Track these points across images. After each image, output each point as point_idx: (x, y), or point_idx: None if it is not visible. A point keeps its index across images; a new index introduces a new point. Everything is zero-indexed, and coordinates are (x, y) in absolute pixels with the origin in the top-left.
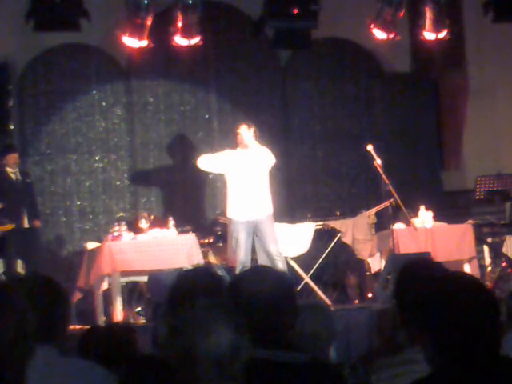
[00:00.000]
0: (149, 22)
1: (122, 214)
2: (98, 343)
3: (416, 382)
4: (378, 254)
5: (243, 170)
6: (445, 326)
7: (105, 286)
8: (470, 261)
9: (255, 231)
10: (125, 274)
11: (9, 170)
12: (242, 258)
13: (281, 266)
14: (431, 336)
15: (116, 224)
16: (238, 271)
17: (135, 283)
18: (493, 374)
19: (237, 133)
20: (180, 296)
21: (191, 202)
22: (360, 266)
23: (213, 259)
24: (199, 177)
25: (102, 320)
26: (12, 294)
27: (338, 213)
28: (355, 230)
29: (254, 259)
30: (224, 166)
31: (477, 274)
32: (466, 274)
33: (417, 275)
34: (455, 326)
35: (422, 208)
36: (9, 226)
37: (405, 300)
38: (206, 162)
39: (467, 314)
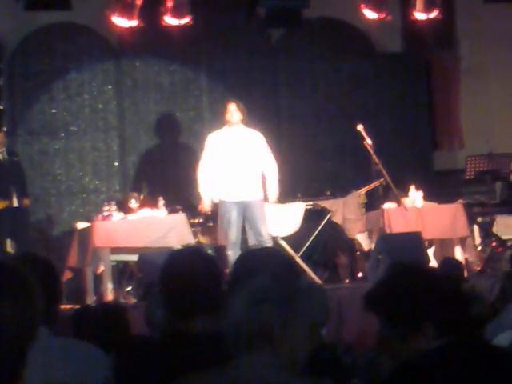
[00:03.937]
0: (139, 2)
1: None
2: (91, 323)
3: (399, 366)
4: (367, 234)
5: (231, 149)
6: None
7: (102, 267)
8: (463, 240)
9: (244, 213)
10: (115, 251)
11: None
12: (233, 238)
13: None
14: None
15: (106, 204)
16: (229, 251)
17: (126, 263)
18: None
19: (226, 110)
20: (172, 275)
21: (181, 181)
22: (350, 245)
23: (202, 239)
24: (189, 156)
25: (92, 299)
26: (22, 276)
27: (329, 192)
28: (345, 210)
29: (244, 239)
30: (215, 161)
31: (471, 252)
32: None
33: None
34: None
35: (413, 188)
36: (1, 204)
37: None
38: (204, 177)
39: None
